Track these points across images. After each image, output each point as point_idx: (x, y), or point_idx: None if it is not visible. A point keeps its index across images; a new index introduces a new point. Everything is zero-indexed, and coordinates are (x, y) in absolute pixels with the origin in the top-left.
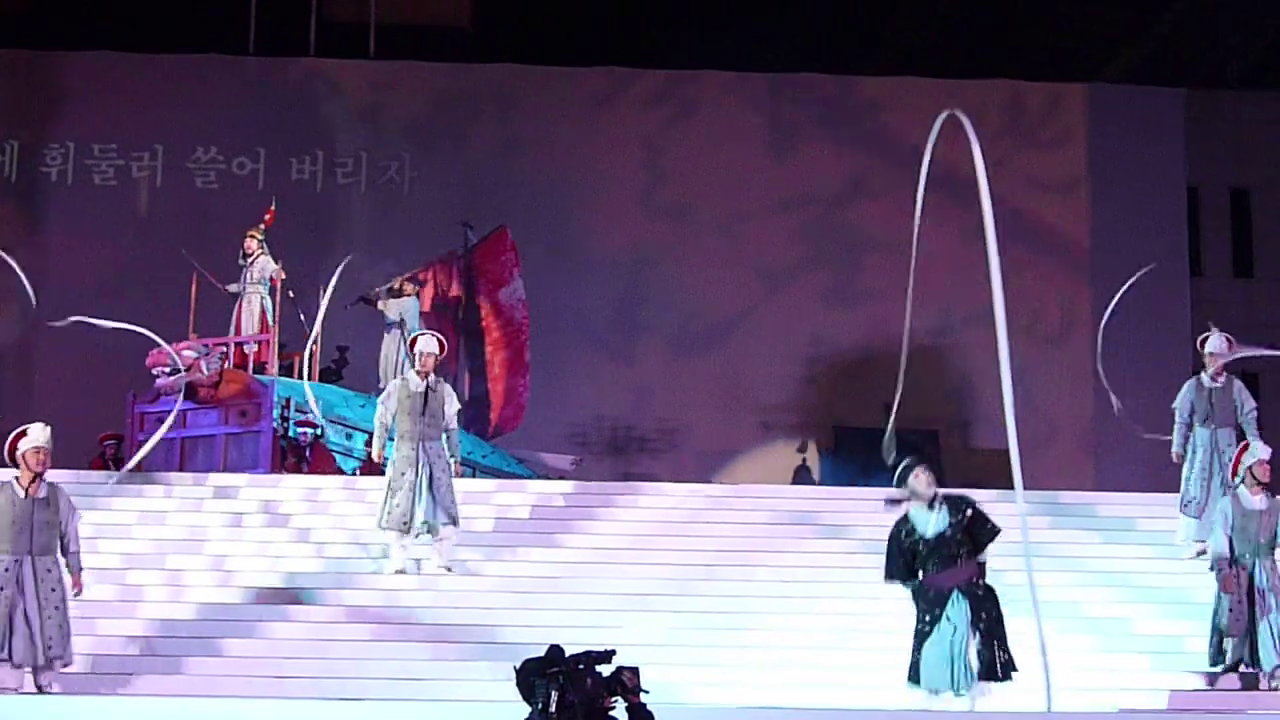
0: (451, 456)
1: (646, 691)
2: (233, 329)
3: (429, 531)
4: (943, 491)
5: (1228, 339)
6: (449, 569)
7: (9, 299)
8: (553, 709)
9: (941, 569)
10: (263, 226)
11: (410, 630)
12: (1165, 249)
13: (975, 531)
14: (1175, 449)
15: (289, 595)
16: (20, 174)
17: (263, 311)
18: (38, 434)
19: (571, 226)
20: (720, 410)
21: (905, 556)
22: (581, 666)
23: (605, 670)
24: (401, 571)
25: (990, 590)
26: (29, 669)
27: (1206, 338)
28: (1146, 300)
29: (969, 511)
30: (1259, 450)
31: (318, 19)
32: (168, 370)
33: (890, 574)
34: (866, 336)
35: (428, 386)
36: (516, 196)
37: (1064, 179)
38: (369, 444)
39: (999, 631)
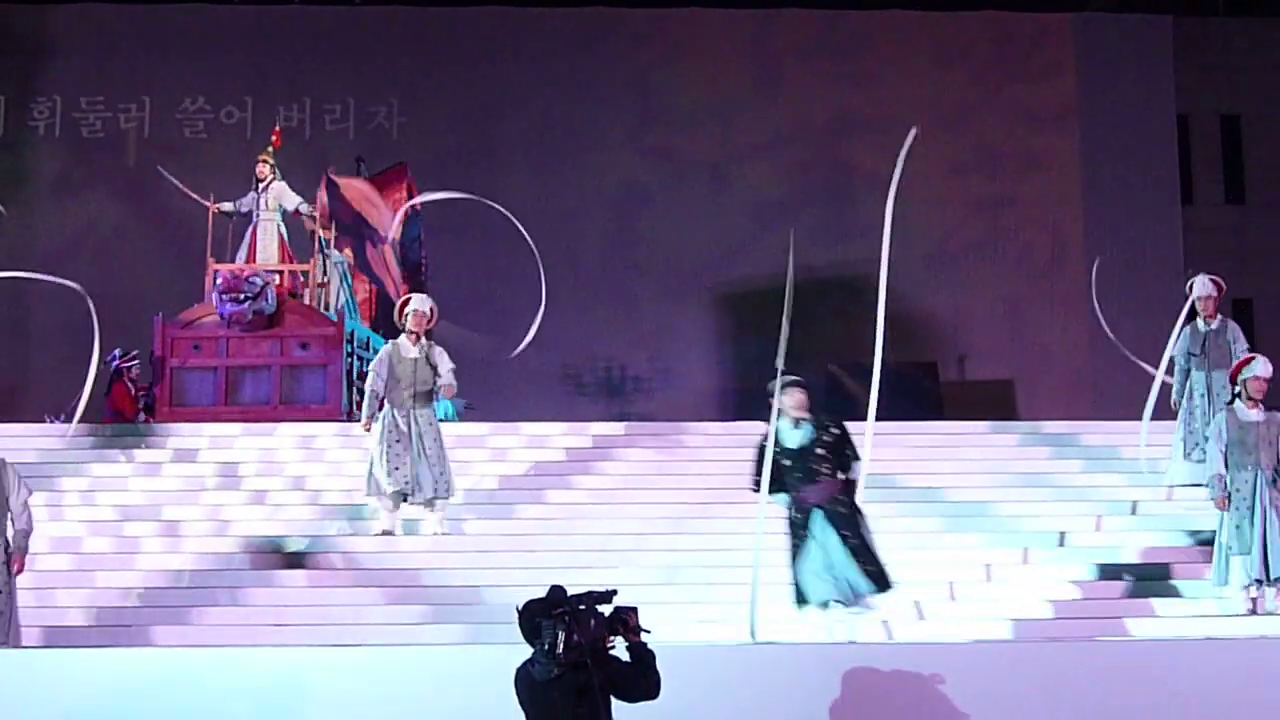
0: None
1: (648, 631)
2: (245, 256)
3: (428, 503)
4: (817, 416)
5: (1214, 280)
6: (442, 532)
7: None
8: (559, 649)
9: (804, 483)
10: (271, 149)
11: (408, 576)
12: (1156, 177)
13: (839, 451)
14: (1174, 397)
15: (286, 545)
16: (8, 128)
17: (282, 240)
18: None
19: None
20: (714, 349)
21: (775, 469)
22: (583, 607)
23: (606, 610)
24: (388, 533)
25: (854, 508)
26: None
27: (1192, 282)
28: (1139, 229)
29: (834, 430)
30: (1259, 367)
31: None
32: (242, 296)
33: (756, 484)
34: (858, 273)
35: (420, 350)
36: (506, 139)
37: (1053, 110)
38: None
39: (869, 548)
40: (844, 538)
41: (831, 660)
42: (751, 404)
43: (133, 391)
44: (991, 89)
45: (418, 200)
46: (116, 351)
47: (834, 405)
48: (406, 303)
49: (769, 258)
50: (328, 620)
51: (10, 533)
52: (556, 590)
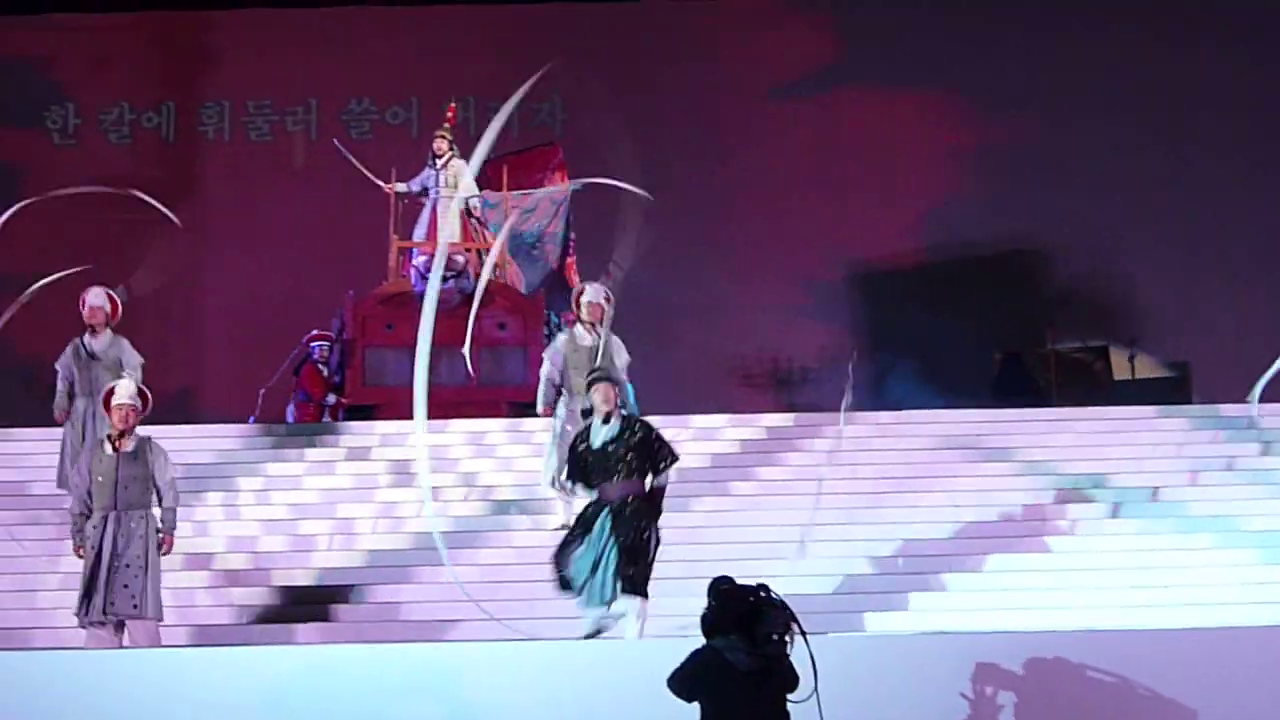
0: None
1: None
2: (424, 235)
3: None
4: (628, 414)
5: None
6: None
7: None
8: (777, 640)
9: (603, 481)
10: (447, 125)
11: None
12: None
13: (643, 452)
14: None
15: (457, 540)
16: (177, 135)
17: (464, 218)
18: (123, 390)
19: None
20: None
21: (579, 463)
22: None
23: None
24: (566, 526)
25: (640, 512)
26: (112, 623)
27: None
28: None
29: (640, 432)
30: None
31: None
32: (448, 274)
33: (568, 475)
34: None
35: (595, 339)
36: (668, 133)
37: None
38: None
39: (636, 551)
40: (617, 535)
41: (996, 649)
42: (911, 390)
43: (324, 373)
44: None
45: (571, 185)
46: (314, 332)
47: (1008, 389)
48: (581, 292)
49: (932, 238)
50: (498, 615)
51: (159, 511)
52: (722, 580)
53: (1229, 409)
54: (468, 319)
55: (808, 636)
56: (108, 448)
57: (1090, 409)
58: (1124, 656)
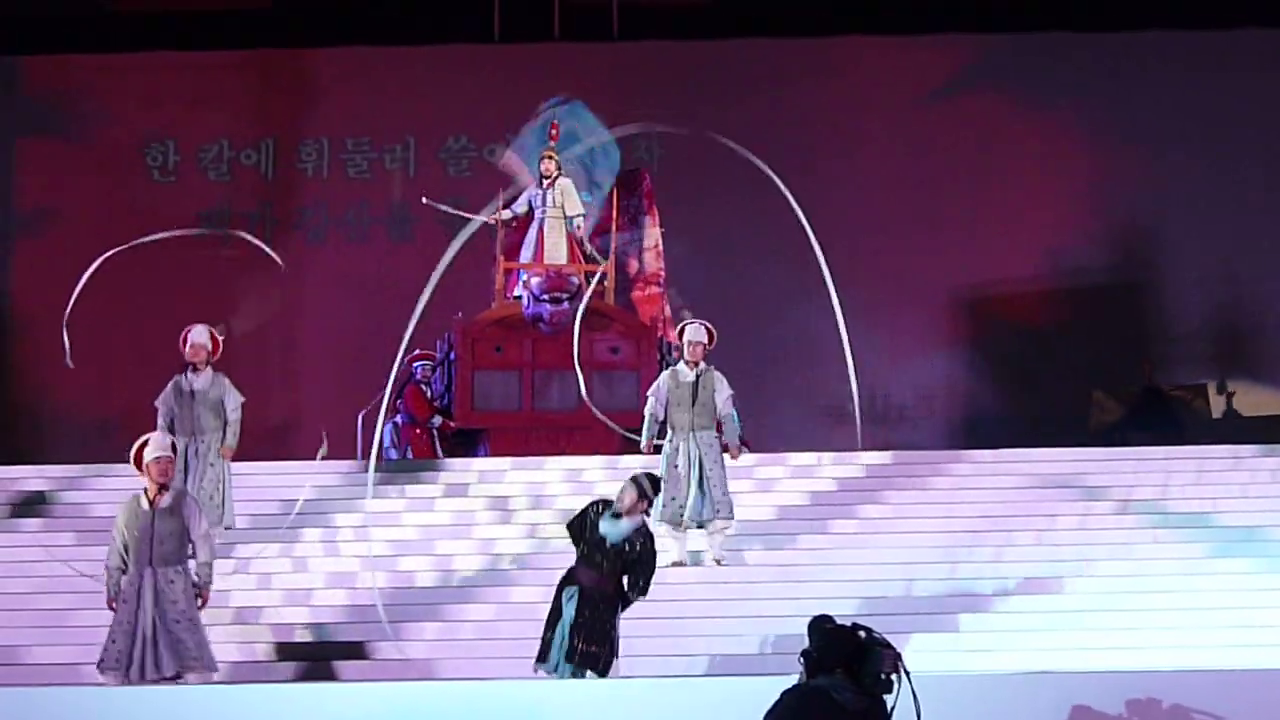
0: (729, 441)
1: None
2: (532, 255)
3: (699, 525)
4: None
5: None
6: (719, 561)
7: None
8: (884, 679)
9: (584, 566)
10: (551, 143)
11: (680, 608)
12: None
13: (629, 565)
14: None
15: (554, 578)
16: (276, 171)
17: (572, 242)
18: (157, 443)
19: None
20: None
21: (583, 527)
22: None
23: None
24: (680, 564)
25: (610, 599)
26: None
27: None
28: None
29: (639, 548)
30: None
31: (560, 3)
32: (564, 296)
33: (569, 524)
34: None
35: (697, 376)
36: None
37: None
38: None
39: (596, 631)
40: (580, 614)
41: (1095, 688)
42: (1012, 431)
43: (427, 394)
44: None
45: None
46: (416, 352)
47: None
48: (682, 331)
49: (1027, 274)
50: None
51: (195, 565)
52: (823, 619)
53: None
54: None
55: (911, 676)
56: (143, 502)
57: (1189, 448)
58: (1224, 697)
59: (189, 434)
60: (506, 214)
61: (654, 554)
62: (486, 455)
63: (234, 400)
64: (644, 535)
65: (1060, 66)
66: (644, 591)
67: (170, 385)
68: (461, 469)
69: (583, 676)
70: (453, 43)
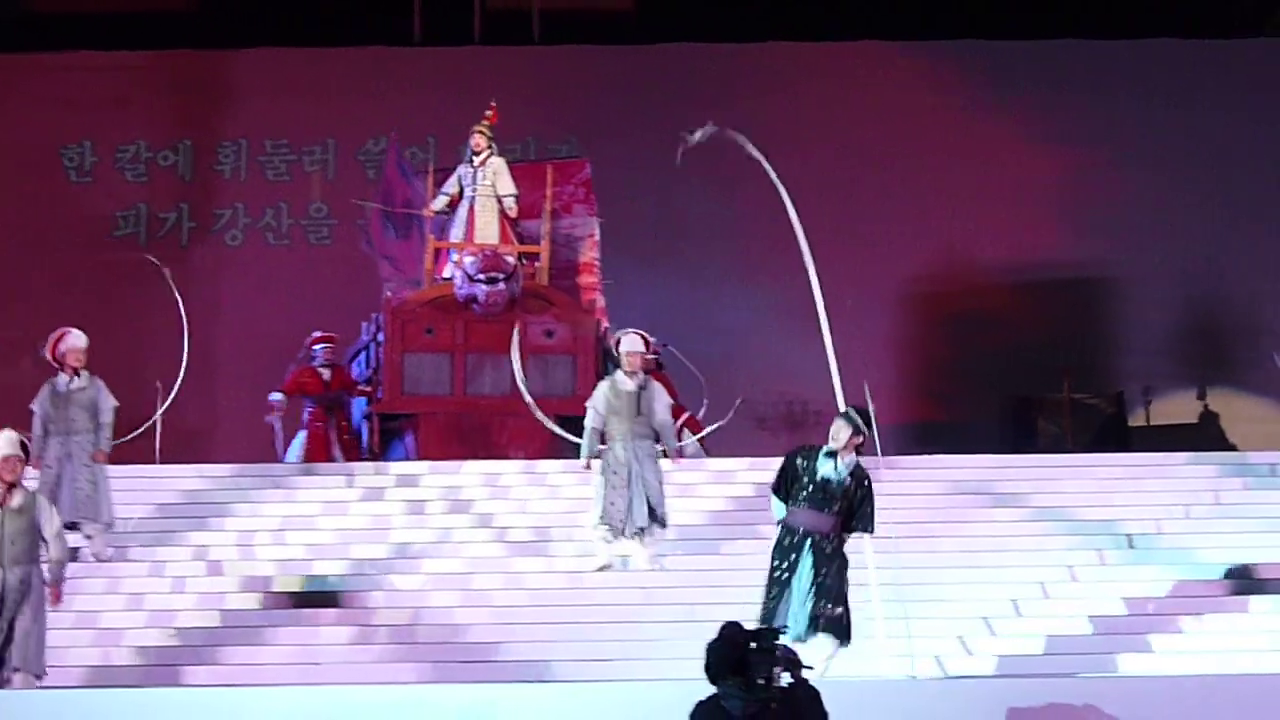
0: (665, 448)
1: (809, 668)
2: (462, 235)
3: (638, 534)
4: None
5: None
6: (654, 568)
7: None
8: (768, 685)
9: (807, 508)
10: (486, 123)
11: (608, 613)
12: None
13: (856, 504)
14: None
15: (472, 581)
16: (195, 172)
17: (504, 222)
18: (5, 442)
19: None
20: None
21: (788, 476)
22: (775, 646)
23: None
24: (606, 568)
25: (840, 553)
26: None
27: None
28: None
29: (867, 484)
30: None
31: (481, 7)
32: (501, 276)
33: (775, 486)
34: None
35: (637, 386)
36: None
37: None
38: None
39: (833, 592)
40: (818, 575)
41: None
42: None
43: (322, 376)
44: None
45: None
46: (315, 334)
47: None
48: (619, 341)
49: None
50: (511, 657)
51: (47, 563)
52: (731, 626)
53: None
54: (514, 324)
55: (805, 678)
56: None
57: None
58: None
59: (64, 434)
60: (438, 203)
61: (873, 493)
62: (415, 440)
63: (108, 404)
64: (864, 471)
65: (1036, 70)
66: (873, 528)
67: (46, 387)
68: (378, 473)
69: (830, 641)
70: (374, 45)
